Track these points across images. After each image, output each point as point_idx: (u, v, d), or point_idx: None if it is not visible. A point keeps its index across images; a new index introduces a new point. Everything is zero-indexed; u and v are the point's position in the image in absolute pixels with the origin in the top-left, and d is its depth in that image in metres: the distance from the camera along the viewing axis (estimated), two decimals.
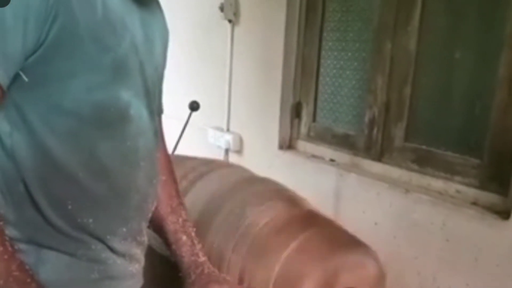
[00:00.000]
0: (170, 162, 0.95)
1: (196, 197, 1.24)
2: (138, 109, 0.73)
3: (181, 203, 0.94)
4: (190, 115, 2.06)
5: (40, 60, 0.60)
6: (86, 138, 0.66)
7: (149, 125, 0.77)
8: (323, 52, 1.85)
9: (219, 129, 2.31)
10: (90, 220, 0.69)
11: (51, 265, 0.68)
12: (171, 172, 0.94)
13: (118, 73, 0.68)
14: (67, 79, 0.62)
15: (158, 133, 0.84)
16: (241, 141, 2.22)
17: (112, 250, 0.74)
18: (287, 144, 2.01)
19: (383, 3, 1.58)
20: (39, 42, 0.59)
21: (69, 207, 0.67)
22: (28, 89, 0.61)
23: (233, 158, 2.25)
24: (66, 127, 0.64)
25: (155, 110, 0.81)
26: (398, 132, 1.57)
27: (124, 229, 0.75)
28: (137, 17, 0.73)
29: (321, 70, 1.87)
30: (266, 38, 2.00)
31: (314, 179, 1.80)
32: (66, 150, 0.65)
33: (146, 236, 0.84)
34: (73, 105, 0.63)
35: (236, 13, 2.14)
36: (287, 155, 1.96)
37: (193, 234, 0.92)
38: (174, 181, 0.95)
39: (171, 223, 0.90)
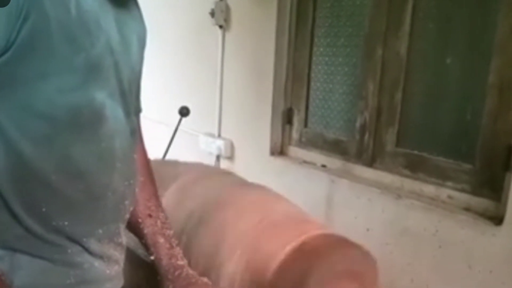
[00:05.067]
0: (149, 163, 0.94)
1: (186, 204, 1.23)
2: (113, 110, 0.71)
3: (159, 205, 0.93)
4: (180, 120, 2.05)
5: (10, 61, 0.58)
6: (59, 140, 0.65)
7: (125, 126, 0.76)
8: (314, 58, 1.85)
9: (211, 135, 2.30)
10: (66, 223, 0.68)
11: (25, 270, 0.66)
12: (149, 173, 0.93)
13: (91, 74, 0.66)
14: (39, 80, 0.61)
15: (136, 133, 0.83)
16: (232, 147, 2.20)
17: (89, 252, 0.72)
18: (279, 150, 2.00)
19: (374, 9, 1.58)
20: (9, 42, 0.57)
21: (44, 209, 0.65)
22: None
23: (224, 164, 2.24)
24: (38, 129, 0.62)
25: (132, 110, 0.80)
26: (390, 137, 1.57)
27: (100, 231, 0.73)
28: (112, 17, 0.72)
29: (312, 75, 1.86)
30: (257, 43, 2.00)
31: (306, 185, 1.79)
32: (39, 152, 0.63)
33: (125, 237, 0.82)
34: (46, 107, 0.62)
35: (227, 19, 2.13)
36: (279, 161, 1.95)
37: (173, 238, 0.91)
38: (153, 183, 0.93)
39: (149, 225, 0.89)
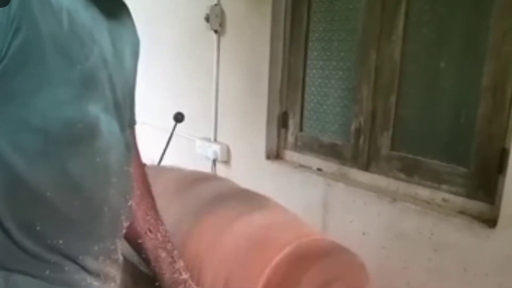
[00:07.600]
0: (146, 176, 0.92)
1: (180, 210, 1.22)
2: (108, 124, 0.70)
3: (159, 218, 0.91)
4: (174, 126, 2.05)
5: (2, 76, 0.56)
6: (54, 156, 0.63)
7: (120, 139, 0.74)
8: (308, 62, 1.85)
9: (207, 139, 2.30)
10: (61, 241, 0.66)
11: None
12: (147, 187, 0.91)
13: (86, 87, 0.65)
14: (33, 95, 0.59)
15: (131, 147, 0.81)
16: (228, 151, 2.20)
17: (86, 270, 0.71)
18: (274, 154, 2.00)
19: (367, 13, 1.58)
20: (0, 56, 0.55)
21: (38, 228, 0.63)
22: None
23: (220, 168, 2.24)
24: (32, 145, 0.61)
25: (127, 123, 0.79)
26: (385, 141, 1.57)
27: (97, 248, 0.72)
28: (105, 29, 0.71)
29: (307, 79, 1.87)
30: (252, 48, 2.00)
31: (302, 189, 1.79)
32: (33, 168, 0.61)
33: (121, 253, 0.81)
34: (40, 122, 0.60)
35: (222, 24, 2.14)
36: (275, 165, 1.95)
37: (175, 251, 0.89)
38: (151, 196, 0.92)
39: (150, 240, 0.88)
